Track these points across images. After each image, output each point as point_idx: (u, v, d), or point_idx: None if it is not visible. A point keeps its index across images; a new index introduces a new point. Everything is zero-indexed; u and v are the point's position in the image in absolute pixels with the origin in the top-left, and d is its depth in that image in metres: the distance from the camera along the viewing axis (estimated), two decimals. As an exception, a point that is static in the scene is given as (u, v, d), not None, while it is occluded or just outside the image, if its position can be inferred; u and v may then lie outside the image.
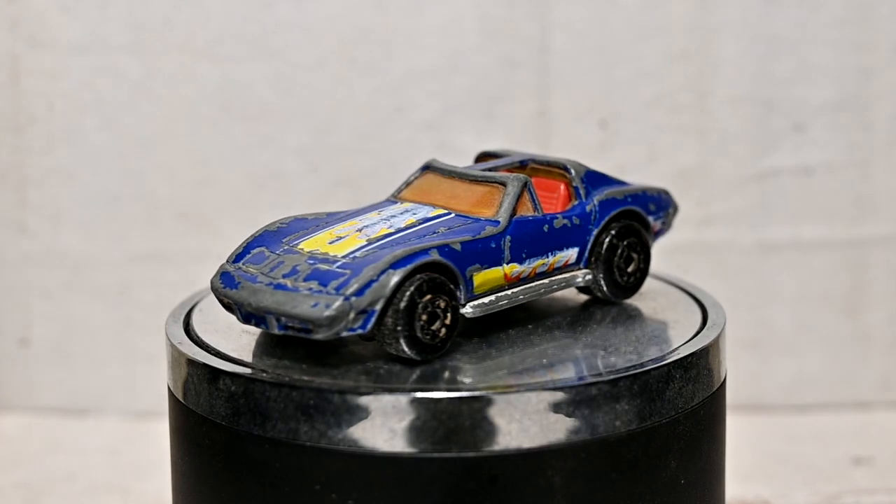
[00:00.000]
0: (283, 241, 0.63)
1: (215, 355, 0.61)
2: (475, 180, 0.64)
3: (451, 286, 0.60)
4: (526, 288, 0.63)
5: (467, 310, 0.61)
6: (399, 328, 0.58)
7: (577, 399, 0.58)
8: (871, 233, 0.96)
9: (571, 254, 0.64)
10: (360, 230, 0.63)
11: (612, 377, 0.58)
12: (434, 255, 0.59)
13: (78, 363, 0.98)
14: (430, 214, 0.63)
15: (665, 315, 0.66)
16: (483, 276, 0.61)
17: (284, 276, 0.60)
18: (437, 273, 0.59)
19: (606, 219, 0.65)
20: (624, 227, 0.65)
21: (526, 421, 0.57)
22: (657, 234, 0.68)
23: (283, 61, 0.94)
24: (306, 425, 0.58)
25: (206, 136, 0.95)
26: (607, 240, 0.65)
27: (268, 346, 0.62)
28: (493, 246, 0.61)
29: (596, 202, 0.65)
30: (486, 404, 0.57)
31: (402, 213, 0.64)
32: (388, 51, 0.94)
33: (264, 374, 0.59)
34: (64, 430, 0.96)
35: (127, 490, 0.88)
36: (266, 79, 0.94)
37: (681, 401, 0.60)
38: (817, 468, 0.89)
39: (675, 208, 0.69)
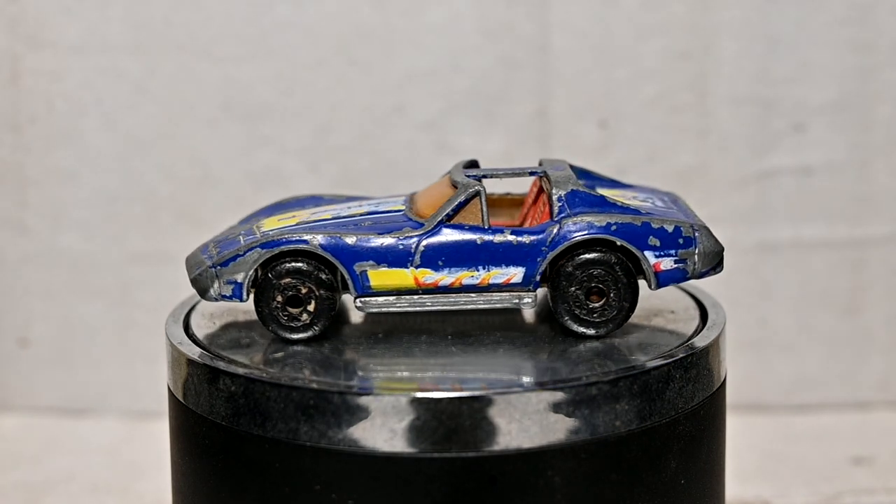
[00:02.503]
0: (271, 212, 0.67)
1: (215, 355, 0.61)
2: (451, 184, 0.64)
3: (327, 276, 0.61)
4: (441, 297, 0.62)
5: (357, 304, 0.62)
6: (258, 304, 0.62)
7: (577, 399, 0.58)
8: (871, 233, 0.96)
9: (514, 273, 0.62)
10: (313, 213, 0.65)
11: (612, 377, 0.58)
12: (312, 243, 0.61)
13: (78, 363, 0.98)
14: (383, 208, 0.65)
15: (665, 315, 0.66)
16: (383, 275, 0.61)
17: (216, 242, 0.64)
18: (315, 261, 0.61)
19: (570, 243, 0.61)
20: (593, 256, 0.62)
21: (526, 421, 0.57)
22: (667, 273, 0.62)
23: (283, 61, 0.94)
24: (306, 425, 0.58)
25: (206, 136, 0.95)
26: (567, 267, 0.62)
27: (268, 346, 0.62)
28: (401, 247, 0.61)
29: (563, 224, 0.61)
30: (486, 404, 0.57)
31: (368, 205, 0.66)
32: (388, 51, 0.94)
33: (264, 375, 0.59)
34: (64, 430, 0.96)
35: (127, 490, 0.88)
36: (266, 79, 0.94)
37: (681, 401, 0.60)
38: (817, 468, 0.89)
39: (710, 249, 0.62)
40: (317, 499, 0.58)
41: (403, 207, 0.65)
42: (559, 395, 0.57)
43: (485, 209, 0.62)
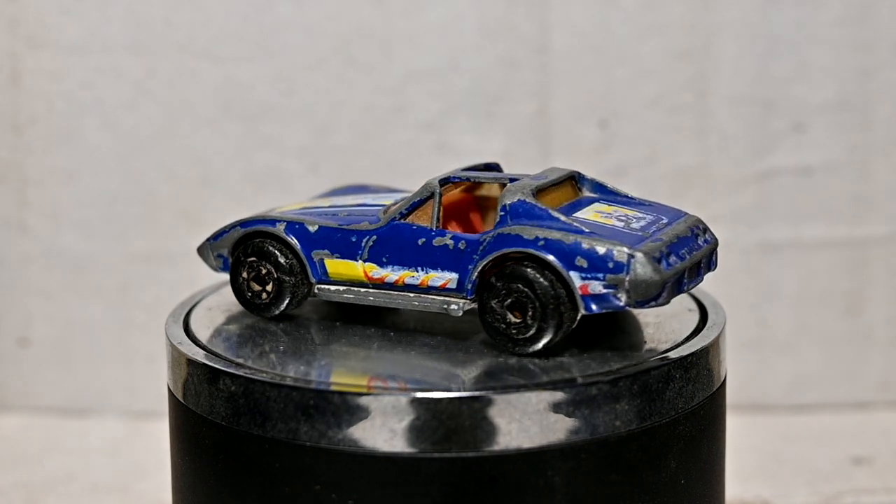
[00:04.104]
0: (321, 197, 0.69)
1: (215, 355, 0.61)
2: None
3: (287, 260, 0.64)
4: (383, 293, 0.62)
5: (315, 290, 0.64)
6: (231, 278, 0.65)
7: (577, 399, 0.58)
8: (871, 233, 0.96)
9: (449, 277, 0.61)
10: (324, 200, 0.68)
11: (612, 377, 0.58)
12: (278, 227, 0.64)
13: (78, 363, 0.98)
14: (373, 202, 0.66)
15: (665, 315, 0.66)
16: (336, 265, 0.63)
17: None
18: (282, 244, 0.64)
19: (497, 254, 0.60)
20: (515, 270, 0.59)
21: (526, 421, 0.57)
22: (596, 298, 0.59)
23: (283, 61, 0.94)
24: (306, 425, 0.58)
25: (206, 136, 0.95)
26: (491, 278, 0.60)
27: (267, 346, 0.62)
28: (353, 240, 0.63)
29: (496, 233, 0.60)
30: (486, 404, 0.57)
31: (372, 198, 0.67)
32: (388, 51, 0.94)
33: (264, 374, 0.59)
34: (64, 430, 0.96)
35: (127, 490, 0.88)
36: (266, 79, 0.94)
37: (681, 401, 0.60)
38: (817, 468, 0.89)
39: (644, 278, 0.58)
40: (317, 499, 0.58)
41: (384, 204, 0.66)
42: (559, 395, 0.57)
43: (437, 211, 0.62)
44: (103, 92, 0.95)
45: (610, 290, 0.58)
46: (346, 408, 0.57)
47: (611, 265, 0.58)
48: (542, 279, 0.59)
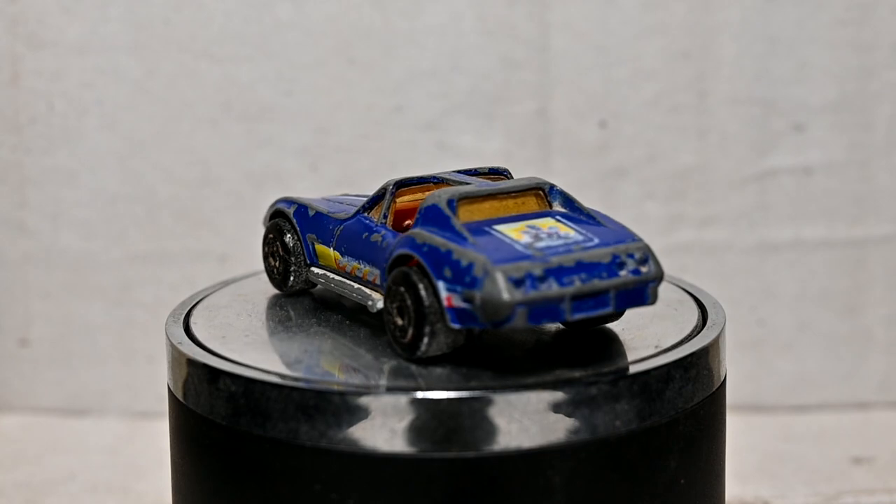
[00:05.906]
0: None
1: (215, 355, 0.61)
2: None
3: (294, 241, 0.67)
4: (340, 281, 0.64)
5: (310, 271, 0.67)
6: (262, 250, 0.69)
7: (577, 399, 0.58)
8: (871, 233, 0.96)
9: (376, 273, 0.61)
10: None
11: (612, 377, 0.58)
12: (290, 209, 0.67)
13: (78, 363, 0.98)
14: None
15: (665, 315, 0.66)
16: (320, 249, 0.65)
17: None
18: (290, 225, 0.67)
19: (396, 255, 0.59)
20: (402, 273, 0.59)
21: (526, 421, 0.57)
22: (458, 312, 0.57)
23: (283, 61, 0.94)
24: (306, 425, 0.58)
25: (206, 136, 0.95)
26: (388, 279, 0.60)
27: (268, 346, 0.62)
28: (330, 228, 0.65)
29: (404, 235, 0.60)
30: (486, 404, 0.57)
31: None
32: (388, 51, 0.94)
33: (264, 374, 0.59)
34: (64, 430, 0.96)
35: (127, 490, 0.88)
36: (266, 79, 0.94)
37: (680, 401, 0.60)
38: (817, 468, 0.89)
39: (490, 297, 0.55)
40: (317, 499, 0.58)
41: None
42: (559, 395, 0.57)
43: (385, 208, 0.62)
44: (103, 92, 0.95)
45: (467, 306, 0.56)
46: (346, 408, 0.57)
47: (468, 279, 0.56)
48: (419, 285, 0.58)
